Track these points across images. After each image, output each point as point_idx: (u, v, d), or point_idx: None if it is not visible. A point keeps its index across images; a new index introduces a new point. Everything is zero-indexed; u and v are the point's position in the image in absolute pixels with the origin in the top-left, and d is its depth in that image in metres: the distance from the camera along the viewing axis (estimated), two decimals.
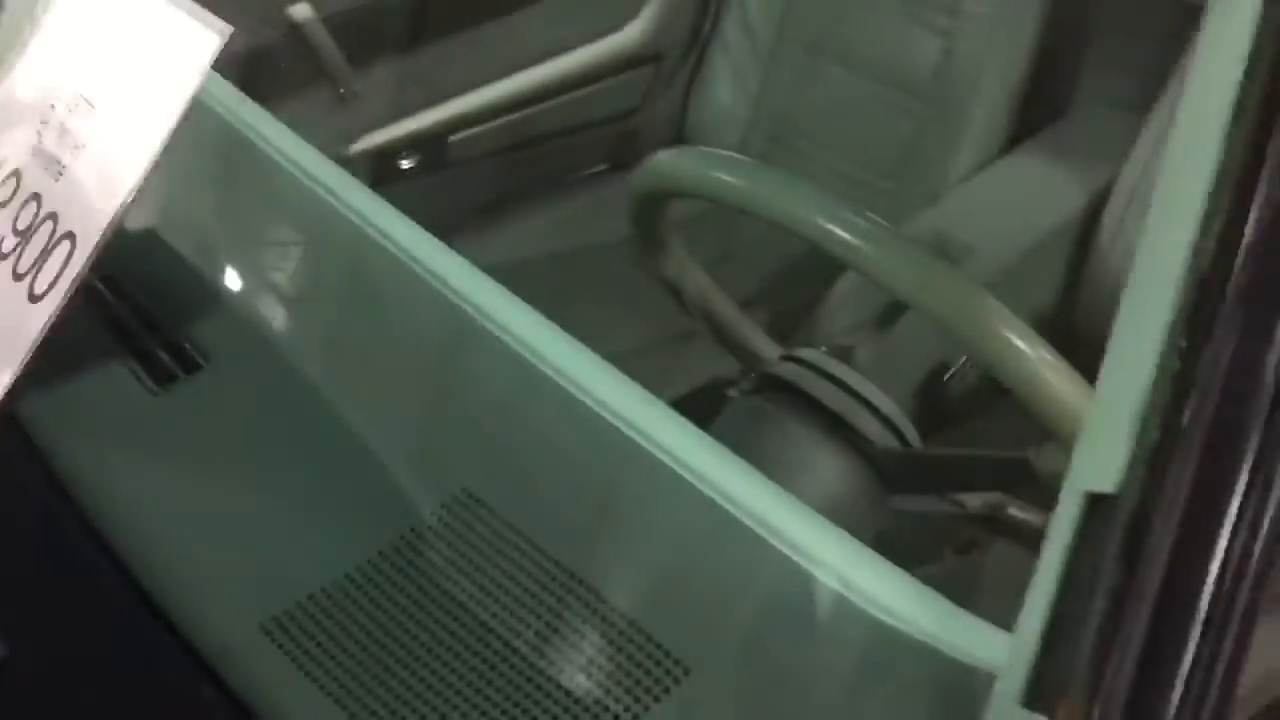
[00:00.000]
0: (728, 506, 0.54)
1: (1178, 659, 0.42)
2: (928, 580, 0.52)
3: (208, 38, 0.69)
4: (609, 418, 0.57)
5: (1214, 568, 0.41)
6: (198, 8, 0.71)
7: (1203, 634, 0.41)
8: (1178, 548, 0.42)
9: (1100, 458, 0.43)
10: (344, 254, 0.72)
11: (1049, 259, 1.27)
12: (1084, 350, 1.02)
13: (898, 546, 0.80)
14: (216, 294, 0.75)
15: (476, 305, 0.64)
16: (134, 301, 0.72)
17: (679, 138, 1.72)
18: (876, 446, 0.71)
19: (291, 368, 0.68)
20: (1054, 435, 0.61)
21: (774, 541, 0.52)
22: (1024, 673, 0.42)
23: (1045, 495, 0.66)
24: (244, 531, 0.61)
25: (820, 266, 0.97)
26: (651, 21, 1.68)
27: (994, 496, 0.77)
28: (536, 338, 0.62)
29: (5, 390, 0.67)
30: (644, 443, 0.56)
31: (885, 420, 0.71)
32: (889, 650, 0.50)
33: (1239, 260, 0.41)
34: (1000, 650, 0.45)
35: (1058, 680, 0.42)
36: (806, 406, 0.72)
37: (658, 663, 0.50)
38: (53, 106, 0.77)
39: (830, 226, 0.68)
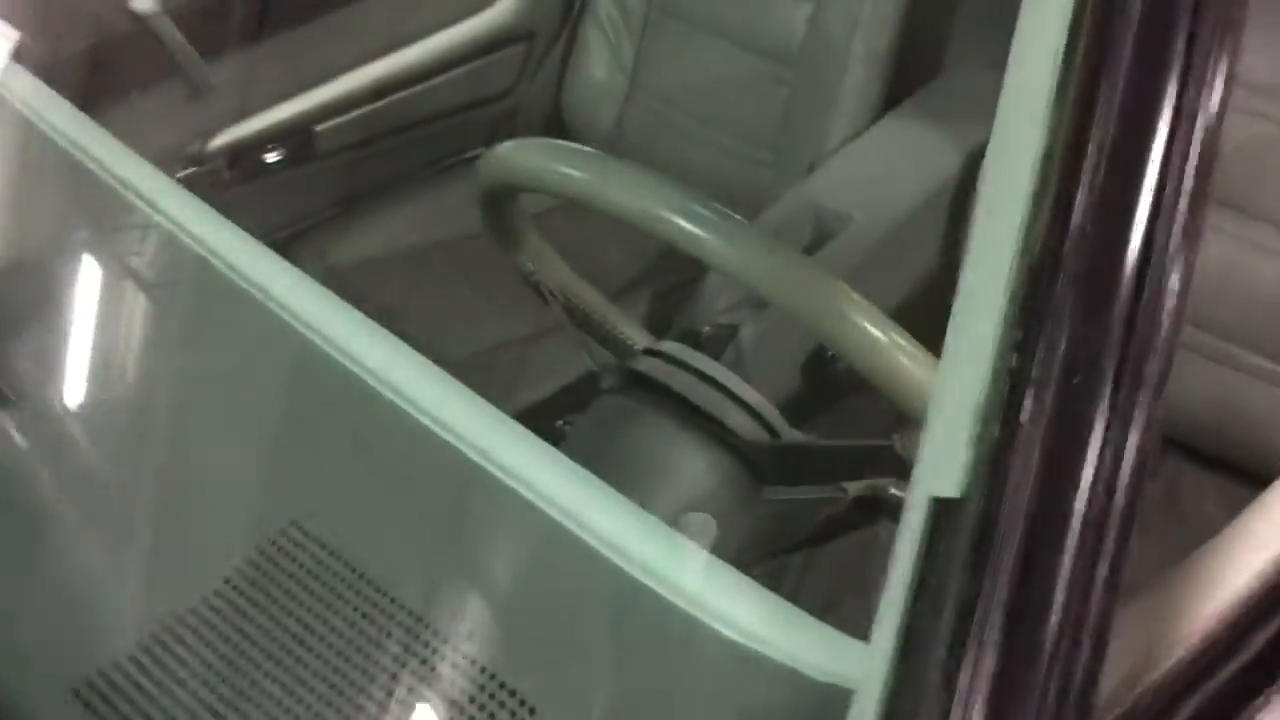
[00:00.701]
0: (571, 527, 0.50)
1: (1034, 668, 0.40)
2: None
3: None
4: (446, 435, 0.53)
5: (1064, 570, 0.39)
6: None
7: (1057, 641, 0.40)
8: (1026, 551, 0.40)
9: (942, 459, 0.40)
10: (160, 268, 0.67)
11: (929, 222, 1.25)
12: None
13: (780, 533, 0.78)
14: (19, 318, 0.69)
15: (305, 319, 0.59)
16: None
17: (555, 115, 1.68)
18: (743, 440, 0.68)
19: (106, 402, 0.63)
20: (915, 421, 0.59)
21: (620, 562, 0.49)
22: (879, 690, 0.40)
23: None
24: (51, 589, 0.56)
25: None
26: None
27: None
28: (372, 354, 0.58)
29: None
30: (483, 461, 0.53)
31: (752, 412, 0.69)
32: (745, 672, 0.47)
33: (1068, 246, 0.39)
34: (858, 665, 0.43)
35: (913, 699, 0.39)
36: (670, 402, 0.69)
37: (502, 704, 0.47)
38: None
39: (677, 221, 0.65)
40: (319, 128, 1.51)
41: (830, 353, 0.98)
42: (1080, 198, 0.38)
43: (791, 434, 0.69)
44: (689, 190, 0.68)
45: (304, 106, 1.48)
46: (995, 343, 0.40)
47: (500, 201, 0.79)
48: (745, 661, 0.46)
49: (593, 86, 1.63)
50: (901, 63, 1.35)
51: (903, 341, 0.60)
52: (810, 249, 1.18)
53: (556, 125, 1.69)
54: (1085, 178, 0.38)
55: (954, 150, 1.24)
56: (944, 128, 1.28)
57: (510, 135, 1.65)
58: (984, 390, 0.40)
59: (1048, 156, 0.39)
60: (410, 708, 0.48)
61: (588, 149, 0.79)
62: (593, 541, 0.49)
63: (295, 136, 1.49)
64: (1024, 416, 0.40)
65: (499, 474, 0.51)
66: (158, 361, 0.66)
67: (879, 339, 0.60)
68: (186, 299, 0.65)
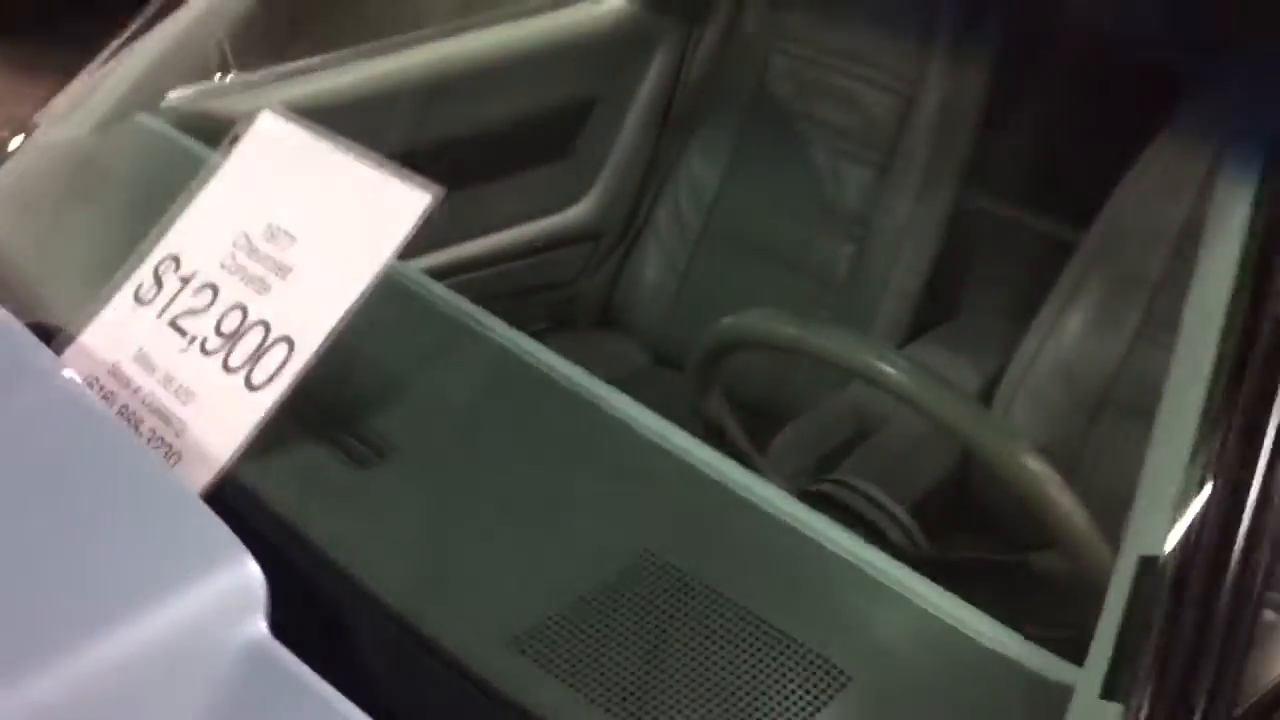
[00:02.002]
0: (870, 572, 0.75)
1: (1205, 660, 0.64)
2: None
3: (414, 199, 0.88)
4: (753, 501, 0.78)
5: (1223, 606, 0.64)
6: (405, 172, 0.90)
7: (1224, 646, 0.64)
8: (1203, 596, 0.65)
9: (1150, 531, 0.65)
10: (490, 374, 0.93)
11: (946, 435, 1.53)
12: (977, 508, 1.26)
13: None
14: (387, 395, 0.92)
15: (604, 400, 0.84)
16: (322, 397, 0.88)
17: (609, 307, 1.94)
18: (898, 549, 0.92)
19: (467, 457, 0.86)
20: (1054, 543, 0.84)
21: (898, 589, 0.73)
22: (1102, 672, 0.63)
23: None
24: (475, 568, 0.77)
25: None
26: (594, 206, 1.92)
27: None
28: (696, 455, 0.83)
29: (234, 457, 0.82)
30: (787, 520, 0.77)
31: (902, 527, 0.93)
32: (994, 673, 0.70)
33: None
34: (1063, 670, 0.67)
35: (1127, 678, 0.63)
36: (842, 516, 0.93)
37: (826, 672, 0.69)
38: (245, 234, 0.94)
39: (886, 369, 0.92)
40: None
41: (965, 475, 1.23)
42: None
43: (927, 546, 0.94)
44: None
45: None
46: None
47: (717, 360, 1.04)
48: (997, 666, 0.70)
49: (647, 286, 1.89)
50: (927, 301, 1.65)
51: (1060, 481, 0.85)
52: (855, 441, 1.44)
53: (609, 317, 1.95)
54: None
55: (973, 377, 1.52)
56: (960, 358, 1.57)
57: (569, 321, 1.91)
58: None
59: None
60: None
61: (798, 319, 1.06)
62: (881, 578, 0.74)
63: None
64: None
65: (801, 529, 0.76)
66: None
67: (1039, 474, 0.85)
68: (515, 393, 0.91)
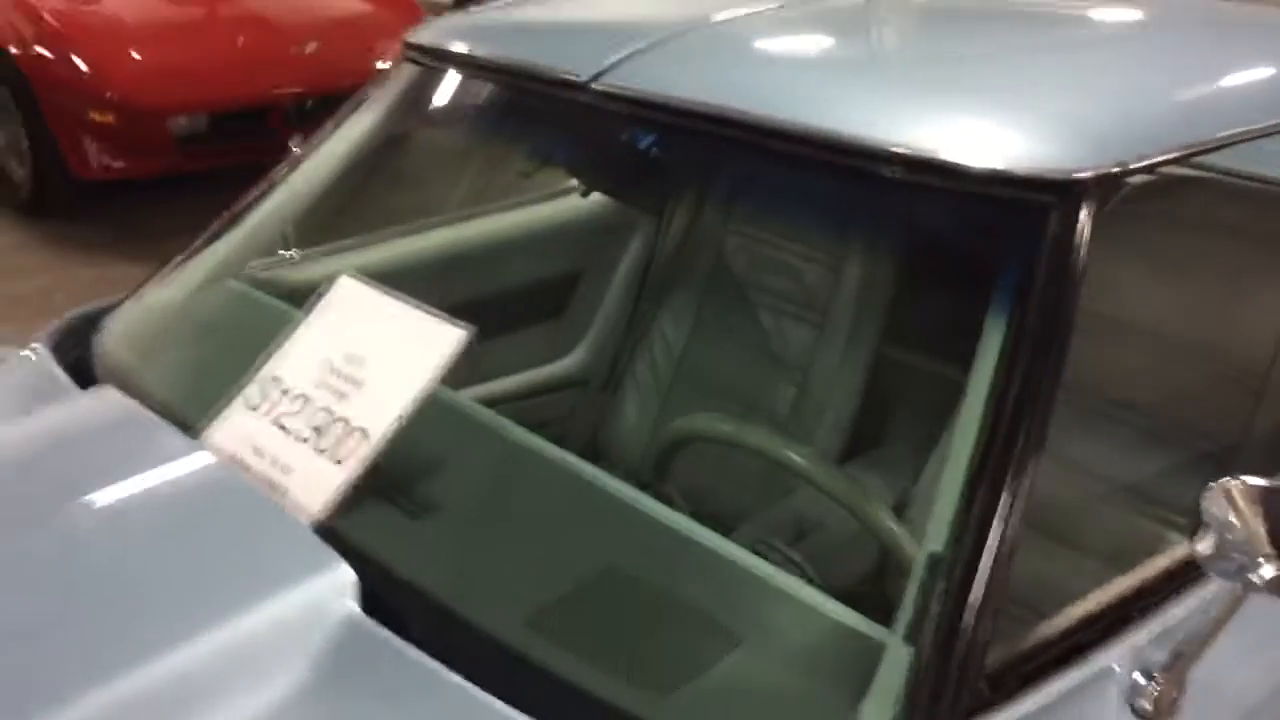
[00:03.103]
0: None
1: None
2: None
3: (454, 334, 1.26)
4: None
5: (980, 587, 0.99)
6: (440, 314, 1.28)
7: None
8: (966, 579, 0.99)
9: (935, 536, 1.01)
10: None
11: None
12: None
13: None
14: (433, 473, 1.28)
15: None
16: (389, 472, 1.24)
17: (596, 441, 2.30)
18: None
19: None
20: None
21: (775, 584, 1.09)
22: (906, 625, 0.98)
23: None
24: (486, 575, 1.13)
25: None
26: (583, 358, 2.30)
27: None
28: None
29: (330, 511, 1.17)
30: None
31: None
32: (839, 635, 1.05)
33: None
34: (881, 631, 1.01)
35: (918, 631, 0.97)
36: None
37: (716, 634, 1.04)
38: (329, 360, 1.31)
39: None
40: None
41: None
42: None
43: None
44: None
45: None
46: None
47: (672, 451, 1.39)
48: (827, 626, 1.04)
49: (627, 426, 2.26)
50: (856, 433, 2.01)
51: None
52: (792, 541, 1.79)
53: (591, 452, 2.30)
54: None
55: (886, 494, 1.87)
56: (878, 479, 1.92)
57: None
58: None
59: None
60: None
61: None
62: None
63: None
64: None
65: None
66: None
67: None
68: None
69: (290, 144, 2.02)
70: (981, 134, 1.18)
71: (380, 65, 5.49)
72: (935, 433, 1.80)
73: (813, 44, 1.54)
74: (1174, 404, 1.38)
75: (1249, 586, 0.95)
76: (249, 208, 1.80)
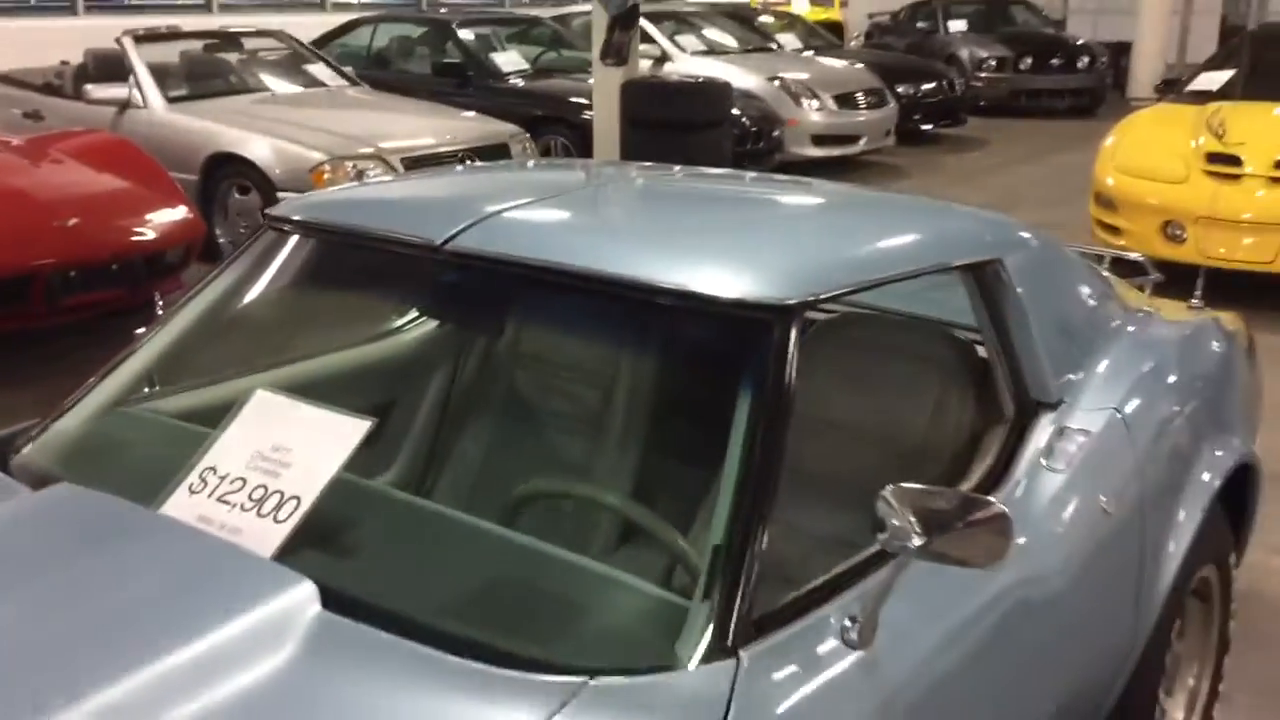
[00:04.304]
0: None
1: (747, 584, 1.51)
2: None
3: (361, 423, 1.72)
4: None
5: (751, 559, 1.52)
6: (345, 410, 1.73)
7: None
8: (741, 554, 1.53)
9: (718, 529, 1.54)
10: None
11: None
12: None
13: None
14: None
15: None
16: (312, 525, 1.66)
17: None
18: None
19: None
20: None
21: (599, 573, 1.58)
22: (703, 588, 1.49)
23: None
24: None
25: None
26: (397, 473, 2.73)
27: None
28: None
29: (281, 551, 1.59)
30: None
31: None
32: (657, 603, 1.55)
33: None
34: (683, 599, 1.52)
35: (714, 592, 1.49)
36: None
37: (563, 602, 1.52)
38: (260, 449, 1.73)
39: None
40: None
41: None
42: None
43: None
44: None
45: None
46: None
47: (520, 505, 1.88)
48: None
49: None
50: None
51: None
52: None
53: None
54: None
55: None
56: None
57: None
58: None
59: None
60: None
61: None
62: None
63: None
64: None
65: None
66: None
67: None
68: None
69: (155, 302, 2.42)
70: (724, 275, 1.77)
71: (135, 238, 5.78)
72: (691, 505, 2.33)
73: (603, 214, 2.11)
74: (861, 472, 1.96)
75: (906, 553, 1.52)
76: (130, 353, 2.19)
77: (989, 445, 2.12)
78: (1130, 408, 2.25)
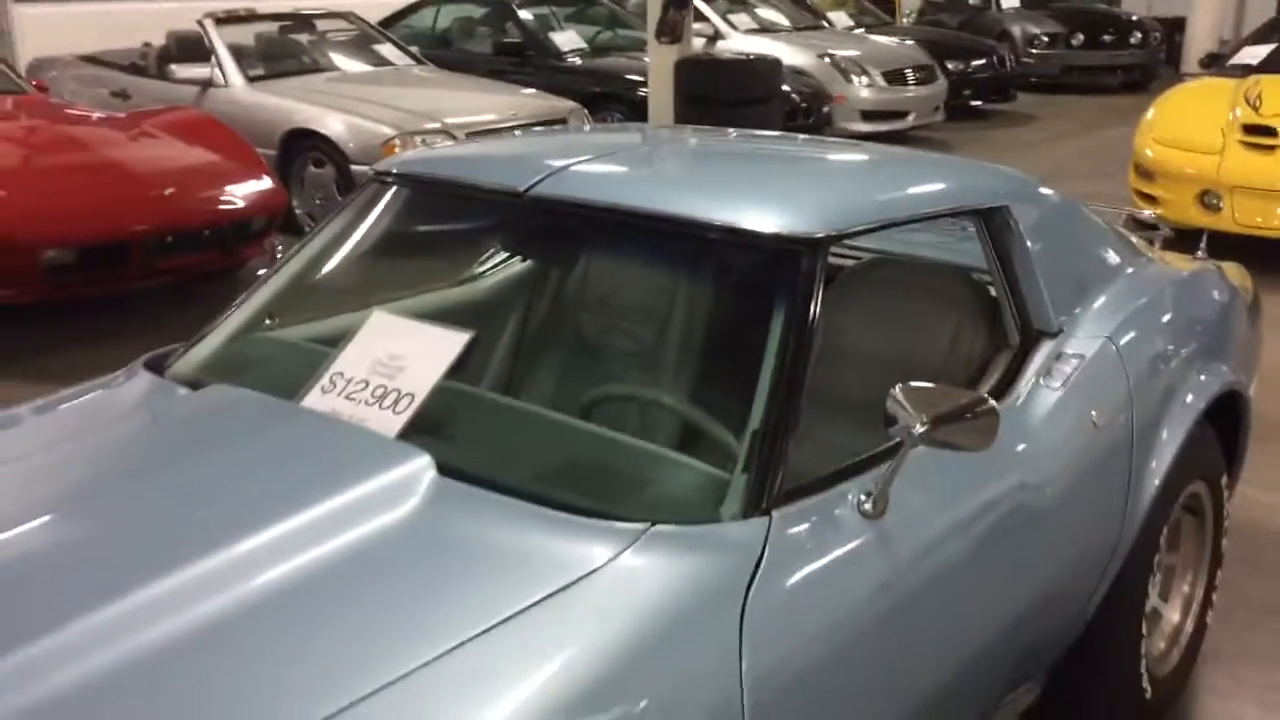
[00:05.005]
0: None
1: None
2: None
3: (462, 336, 2.08)
4: None
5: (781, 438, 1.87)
6: (449, 325, 2.10)
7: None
8: (776, 439, 1.87)
9: (755, 422, 1.88)
10: None
11: None
12: None
13: None
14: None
15: None
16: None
17: None
18: None
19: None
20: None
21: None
22: (741, 465, 1.84)
23: None
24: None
25: None
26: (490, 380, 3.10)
27: None
28: None
29: (401, 433, 1.96)
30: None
31: None
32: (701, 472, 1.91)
33: None
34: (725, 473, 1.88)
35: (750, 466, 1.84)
36: None
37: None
38: (378, 358, 2.10)
39: None
40: None
41: None
42: None
43: None
44: None
45: None
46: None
47: (595, 404, 2.24)
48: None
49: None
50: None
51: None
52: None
53: None
54: None
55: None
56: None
57: None
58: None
59: None
60: None
61: None
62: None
63: None
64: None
65: None
66: None
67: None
68: None
69: (273, 247, 2.80)
70: (763, 214, 2.11)
71: (224, 206, 6.23)
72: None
73: (660, 165, 2.47)
74: (884, 393, 2.27)
75: (911, 438, 1.85)
76: (255, 290, 2.56)
77: (995, 368, 2.44)
78: (1123, 337, 2.57)
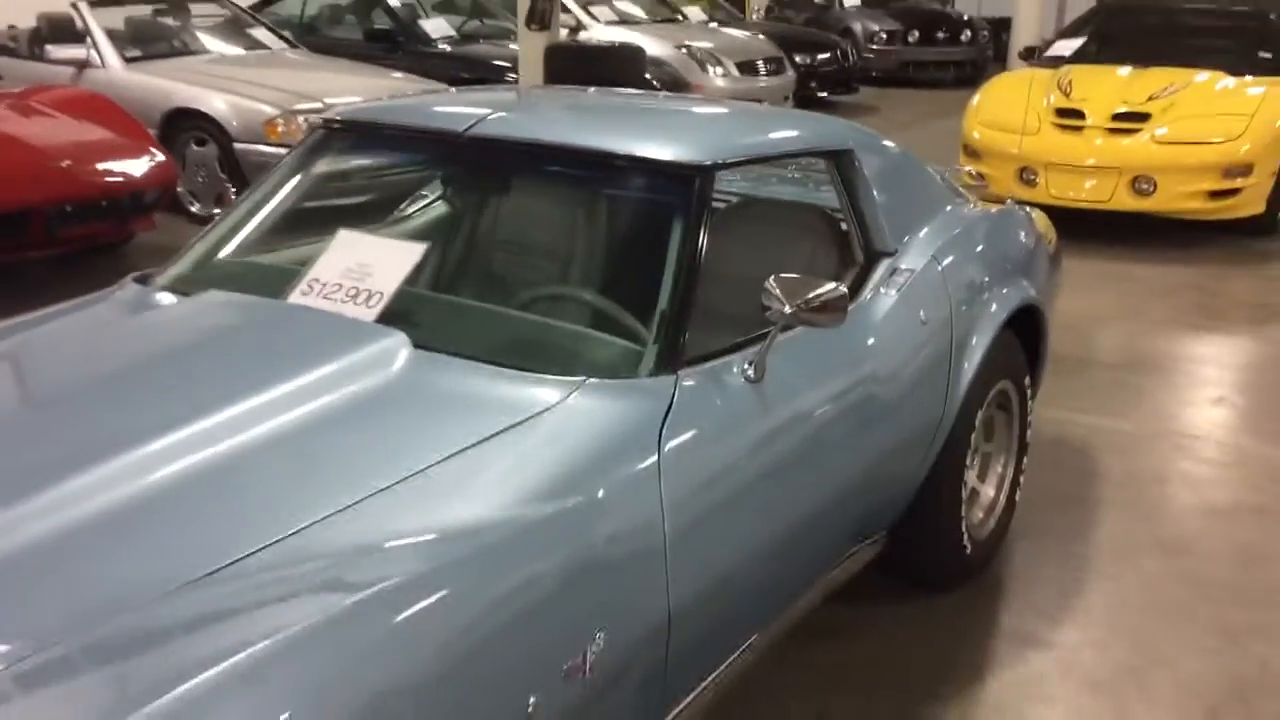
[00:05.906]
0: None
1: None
2: None
3: (415, 248, 2.55)
4: None
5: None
6: (404, 242, 2.56)
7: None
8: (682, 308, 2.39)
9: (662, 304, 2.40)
10: None
11: None
12: None
13: None
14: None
15: None
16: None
17: None
18: None
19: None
20: None
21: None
22: (654, 338, 2.35)
23: None
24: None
25: None
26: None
27: None
28: None
29: (376, 318, 2.42)
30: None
31: None
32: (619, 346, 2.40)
33: None
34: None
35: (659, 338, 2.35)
36: None
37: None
38: (349, 266, 2.56)
39: None
40: None
41: None
42: None
43: None
44: None
45: None
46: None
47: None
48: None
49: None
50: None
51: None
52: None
53: None
54: None
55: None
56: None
57: None
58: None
59: None
60: None
61: None
62: None
63: None
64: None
65: None
66: None
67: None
68: None
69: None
70: (662, 147, 2.63)
71: (120, 179, 6.49)
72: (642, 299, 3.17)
73: (568, 111, 2.98)
74: (757, 300, 2.80)
75: (781, 316, 2.39)
76: (214, 225, 2.98)
77: (844, 280, 3.01)
78: (946, 258, 3.17)
